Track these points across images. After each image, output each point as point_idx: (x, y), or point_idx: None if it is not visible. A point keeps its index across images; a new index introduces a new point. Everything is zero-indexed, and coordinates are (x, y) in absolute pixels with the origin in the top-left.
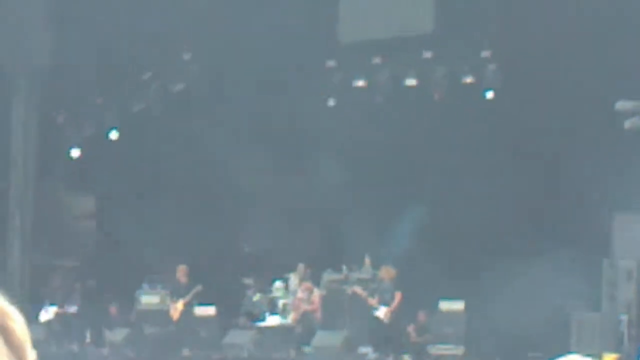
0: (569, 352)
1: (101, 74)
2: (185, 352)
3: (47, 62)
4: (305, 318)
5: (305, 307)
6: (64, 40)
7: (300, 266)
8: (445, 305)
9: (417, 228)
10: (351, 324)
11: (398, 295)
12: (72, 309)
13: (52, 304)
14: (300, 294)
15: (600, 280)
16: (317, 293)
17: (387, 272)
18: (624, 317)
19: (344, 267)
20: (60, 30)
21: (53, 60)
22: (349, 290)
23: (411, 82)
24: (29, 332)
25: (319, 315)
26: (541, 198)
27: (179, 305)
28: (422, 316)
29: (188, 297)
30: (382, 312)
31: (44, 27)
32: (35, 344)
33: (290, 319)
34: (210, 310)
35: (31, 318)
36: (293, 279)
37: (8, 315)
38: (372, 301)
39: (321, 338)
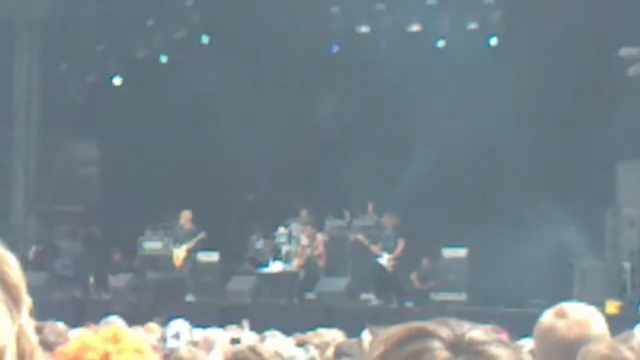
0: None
1: (103, 22)
2: (189, 297)
3: (48, 11)
4: (308, 264)
5: (308, 253)
6: None
7: (303, 212)
8: (447, 253)
9: (421, 171)
10: (354, 271)
11: (401, 243)
12: (76, 254)
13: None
14: (304, 240)
15: (603, 228)
16: (320, 239)
17: (389, 220)
18: (627, 265)
19: (347, 214)
20: None
21: (54, 9)
22: (352, 237)
23: (415, 28)
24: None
25: (322, 261)
26: (544, 146)
27: (182, 251)
28: (425, 263)
29: (191, 243)
30: (384, 260)
31: None
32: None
33: (293, 265)
34: (214, 256)
35: (35, 266)
36: (296, 225)
37: (3, 260)
38: (375, 248)
39: (324, 284)
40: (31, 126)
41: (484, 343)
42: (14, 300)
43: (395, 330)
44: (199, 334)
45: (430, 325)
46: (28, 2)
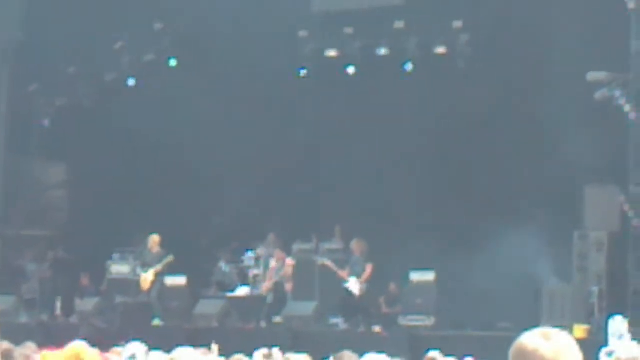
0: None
1: (73, 45)
2: (156, 321)
3: (18, 33)
4: (276, 288)
5: (278, 277)
6: (35, 10)
7: (271, 236)
8: (415, 277)
9: (388, 194)
10: (322, 295)
11: (369, 268)
12: (43, 278)
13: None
14: (273, 264)
15: (571, 252)
16: (289, 263)
17: (358, 245)
18: (595, 289)
19: (314, 238)
20: (30, 2)
21: (25, 31)
22: (319, 261)
23: (383, 52)
24: None
25: (290, 285)
26: (512, 169)
27: (150, 274)
28: (392, 287)
29: (159, 267)
30: (352, 284)
31: None
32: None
33: (262, 289)
34: (181, 280)
35: (3, 289)
36: (263, 249)
37: None
38: (342, 273)
39: (291, 308)
40: None
41: None
42: None
43: None
44: (157, 356)
45: None
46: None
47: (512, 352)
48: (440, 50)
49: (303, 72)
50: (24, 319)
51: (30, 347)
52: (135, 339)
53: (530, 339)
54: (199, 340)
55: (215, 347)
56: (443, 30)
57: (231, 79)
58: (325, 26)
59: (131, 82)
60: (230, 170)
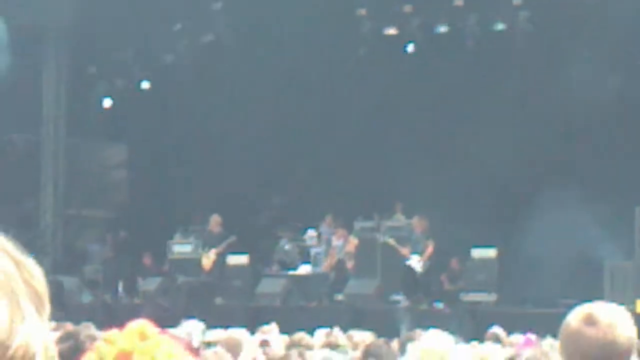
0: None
1: (130, 26)
2: (219, 300)
3: (76, 16)
4: (338, 266)
5: (339, 255)
6: None
7: (329, 215)
8: (477, 253)
9: (449, 171)
10: (383, 273)
11: (430, 245)
12: (105, 259)
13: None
14: (335, 242)
15: (633, 227)
16: (352, 241)
17: (419, 222)
18: None
19: (375, 215)
20: None
21: (82, 13)
22: (381, 238)
23: (442, 29)
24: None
25: (351, 263)
26: (573, 145)
27: (212, 254)
28: (454, 264)
29: (221, 247)
30: (414, 261)
31: None
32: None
33: (323, 267)
34: (243, 259)
35: (66, 270)
36: (325, 227)
37: (26, 269)
38: (404, 251)
39: (353, 286)
40: (60, 131)
41: None
42: (39, 309)
43: None
44: (215, 334)
45: None
46: (54, 10)
47: (560, 332)
48: (500, 27)
49: (362, 51)
50: (87, 299)
51: (89, 327)
52: (197, 318)
53: (573, 322)
54: (261, 320)
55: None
56: (502, 7)
57: (290, 59)
58: (383, 4)
59: (188, 63)
60: (290, 149)
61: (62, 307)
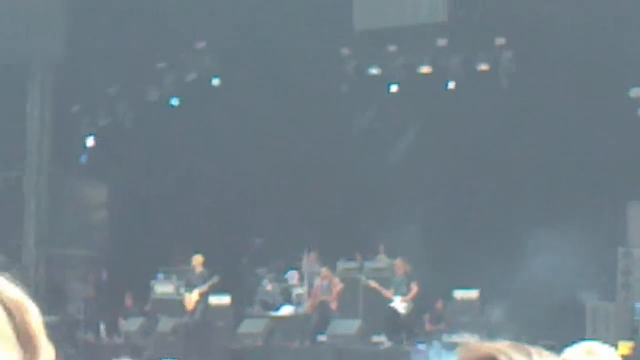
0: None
1: (115, 64)
2: (198, 340)
3: (61, 52)
4: (322, 307)
5: (323, 295)
6: (78, 30)
7: (312, 254)
8: (459, 294)
9: (431, 212)
10: (365, 313)
11: (414, 287)
12: (87, 298)
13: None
14: (318, 282)
15: (615, 268)
16: (336, 282)
17: (401, 266)
18: (639, 306)
19: (358, 256)
20: (74, 21)
21: (67, 50)
22: (364, 280)
23: (426, 69)
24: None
25: (335, 304)
26: (555, 186)
27: (194, 294)
28: (438, 305)
29: (204, 287)
30: (397, 303)
31: (58, 17)
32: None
33: (305, 307)
34: (225, 300)
35: (48, 309)
36: (307, 267)
37: (24, 308)
38: (387, 293)
39: (336, 327)
40: (43, 168)
41: None
42: (33, 351)
43: (472, 350)
44: None
45: (504, 350)
46: (43, 44)
47: None
48: (483, 67)
49: (345, 89)
50: (69, 338)
51: None
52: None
53: (574, 355)
54: (243, 359)
55: None
56: (486, 47)
57: (273, 98)
58: (367, 44)
59: (174, 101)
60: (271, 189)
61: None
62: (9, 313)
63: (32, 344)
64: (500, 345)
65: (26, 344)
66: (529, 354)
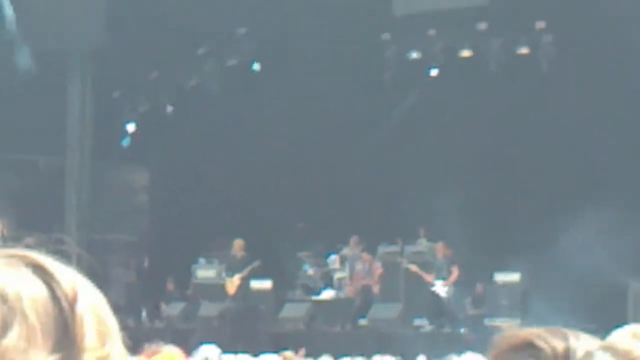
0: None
1: (155, 50)
2: (243, 325)
3: (102, 39)
4: (364, 291)
5: (364, 279)
6: (118, 17)
7: (354, 239)
8: (500, 277)
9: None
10: (407, 297)
11: (455, 270)
12: (129, 283)
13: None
14: (359, 266)
15: None
16: (377, 266)
17: (442, 250)
18: None
19: (399, 240)
20: (113, 7)
21: (107, 37)
22: (404, 263)
23: (466, 53)
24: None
25: (377, 288)
26: (594, 169)
27: (236, 279)
28: (479, 288)
29: (245, 272)
30: (439, 287)
31: (98, 3)
32: None
33: (346, 291)
34: (267, 284)
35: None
36: (348, 252)
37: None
38: (428, 277)
39: (377, 311)
40: (84, 154)
41: (593, 356)
42: (75, 345)
43: (510, 337)
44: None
45: (541, 335)
46: (83, 31)
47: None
48: (523, 51)
49: (387, 75)
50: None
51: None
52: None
53: (621, 339)
54: (284, 344)
55: (301, 352)
56: (526, 30)
57: (314, 83)
58: (407, 29)
59: (214, 87)
60: (313, 174)
61: None
62: (57, 302)
63: (105, 337)
64: (537, 330)
65: (56, 330)
66: (565, 337)
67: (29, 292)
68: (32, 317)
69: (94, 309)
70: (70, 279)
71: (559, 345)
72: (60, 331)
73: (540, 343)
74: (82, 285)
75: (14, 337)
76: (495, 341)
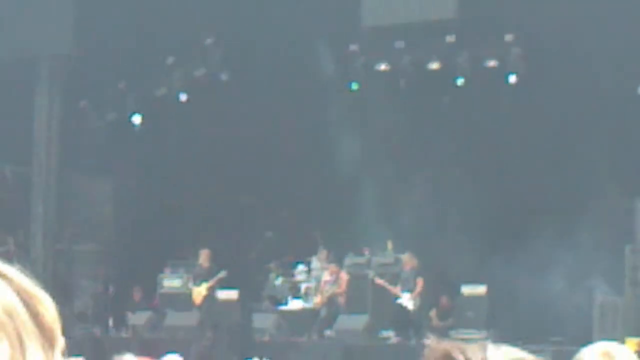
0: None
1: (123, 59)
2: (209, 335)
3: (69, 47)
4: (330, 302)
5: (331, 290)
6: (86, 25)
7: (322, 250)
8: (467, 290)
9: (438, 207)
10: (373, 309)
11: (420, 282)
12: (95, 293)
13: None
14: (326, 277)
15: (623, 265)
16: (344, 277)
17: (409, 260)
18: None
19: (366, 251)
20: (81, 16)
21: (75, 46)
22: (371, 275)
23: (434, 66)
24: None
25: (343, 299)
26: (563, 182)
27: (202, 289)
28: (444, 301)
29: (212, 282)
30: (405, 300)
31: (66, 12)
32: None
33: (313, 302)
34: (233, 294)
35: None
36: (315, 262)
37: (38, 299)
38: (395, 290)
39: (343, 322)
40: (51, 163)
41: None
42: (49, 342)
43: (433, 350)
44: None
45: (460, 347)
46: (51, 39)
47: None
48: (492, 63)
49: (355, 86)
50: (76, 333)
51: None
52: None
53: (590, 356)
54: (251, 354)
55: None
56: (495, 43)
57: (281, 93)
58: (375, 40)
59: (182, 97)
60: (279, 184)
61: None
62: (24, 304)
63: (49, 336)
64: (458, 344)
65: (44, 335)
66: (484, 349)
67: None
68: None
69: (52, 311)
70: (29, 283)
71: (476, 357)
72: (41, 332)
73: (458, 355)
74: (38, 289)
75: None
76: (424, 354)
